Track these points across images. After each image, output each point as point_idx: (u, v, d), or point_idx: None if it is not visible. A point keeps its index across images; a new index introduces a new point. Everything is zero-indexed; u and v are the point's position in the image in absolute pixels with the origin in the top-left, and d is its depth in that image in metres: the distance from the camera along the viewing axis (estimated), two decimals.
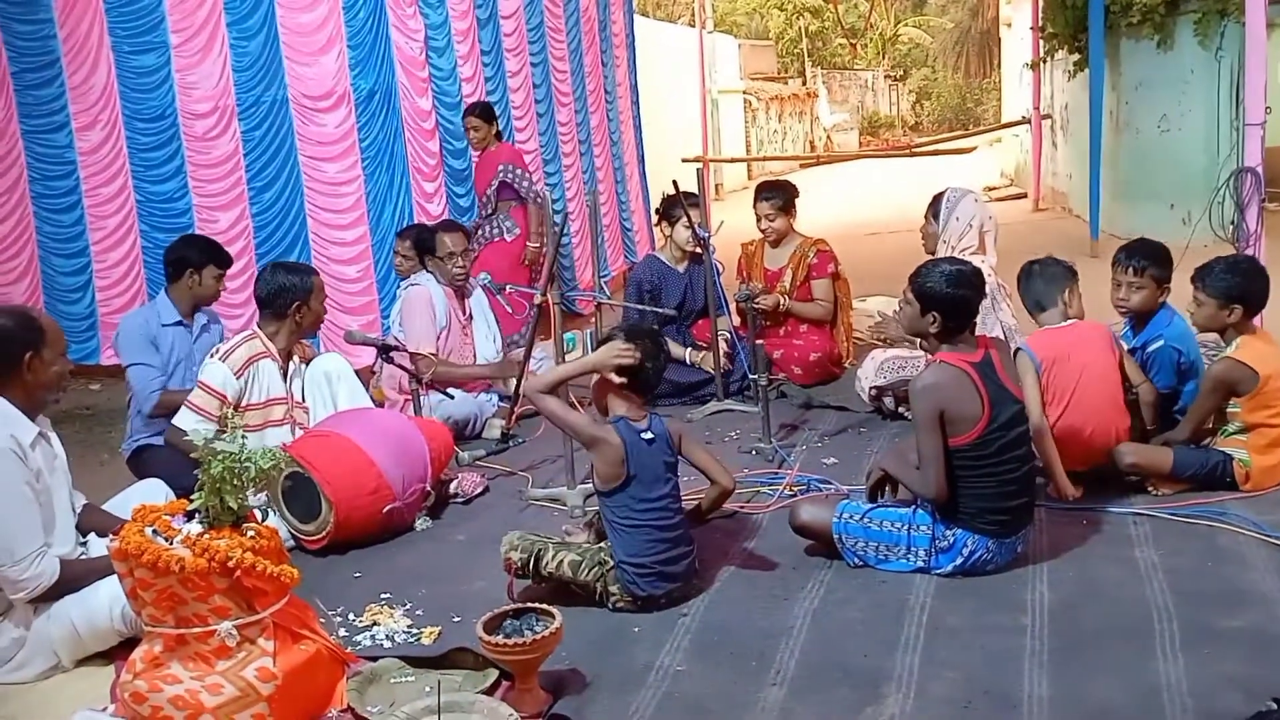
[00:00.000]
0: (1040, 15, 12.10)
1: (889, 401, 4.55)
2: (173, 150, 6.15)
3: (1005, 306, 4.50)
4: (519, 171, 6.22)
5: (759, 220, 5.27)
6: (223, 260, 4.18)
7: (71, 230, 6.40)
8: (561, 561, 2.91)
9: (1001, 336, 4.42)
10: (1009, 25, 17.56)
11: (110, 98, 6.17)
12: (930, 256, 4.60)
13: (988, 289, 4.39)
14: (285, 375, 3.88)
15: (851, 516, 3.08)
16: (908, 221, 12.67)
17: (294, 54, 5.97)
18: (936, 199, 4.61)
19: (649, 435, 2.92)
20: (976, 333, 3.66)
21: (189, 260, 4.09)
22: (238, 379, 3.71)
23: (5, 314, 2.84)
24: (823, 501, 3.28)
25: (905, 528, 3.01)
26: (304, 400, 3.95)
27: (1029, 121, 13.70)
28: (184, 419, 3.60)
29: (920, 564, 3.00)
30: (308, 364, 4.00)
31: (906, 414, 4.51)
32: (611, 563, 2.90)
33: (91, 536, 3.00)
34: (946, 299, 2.97)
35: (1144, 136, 9.64)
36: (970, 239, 4.51)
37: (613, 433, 2.90)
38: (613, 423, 2.94)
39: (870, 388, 4.62)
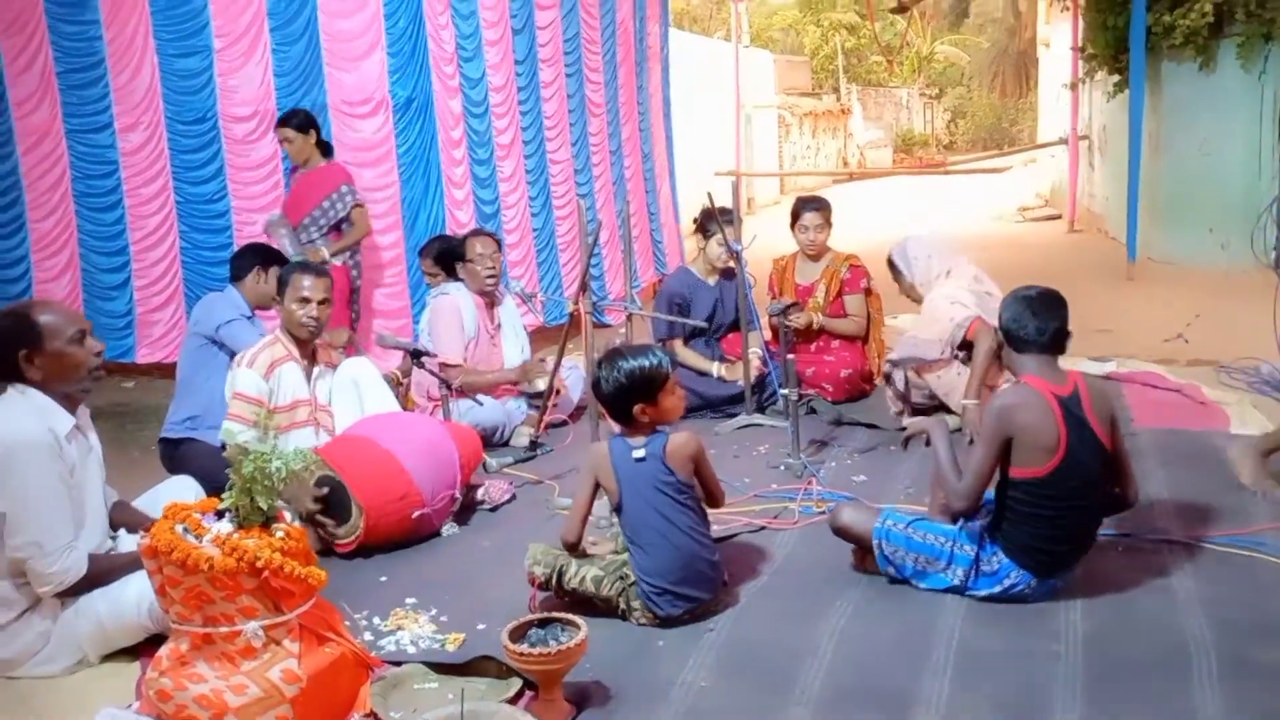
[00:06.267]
0: (1080, 36, 12.02)
1: (898, 379, 4.55)
2: (213, 153, 6.22)
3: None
4: (355, 192, 5.58)
5: (804, 231, 5.24)
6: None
7: (112, 229, 6.48)
8: (584, 577, 2.90)
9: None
10: (1047, 45, 17.44)
11: (153, 100, 6.25)
12: (918, 305, 4.73)
13: (979, 284, 4.54)
14: (309, 378, 3.92)
15: (895, 525, 3.03)
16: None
17: (334, 60, 6.02)
18: (889, 263, 4.79)
19: (640, 454, 2.90)
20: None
21: (258, 259, 4.41)
22: (266, 381, 3.76)
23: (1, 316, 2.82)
24: (865, 506, 3.25)
25: (950, 544, 2.96)
26: (329, 404, 3.97)
27: (1066, 142, 13.59)
28: (229, 431, 3.63)
29: (957, 582, 2.95)
30: (334, 369, 4.02)
31: (907, 425, 4.52)
32: (633, 578, 2.88)
33: (121, 532, 3.02)
34: (1010, 318, 2.96)
35: (1183, 159, 9.52)
36: (940, 264, 4.63)
37: (602, 448, 2.96)
38: (608, 440, 2.98)
39: (884, 362, 4.67)
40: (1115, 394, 3.00)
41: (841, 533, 3.16)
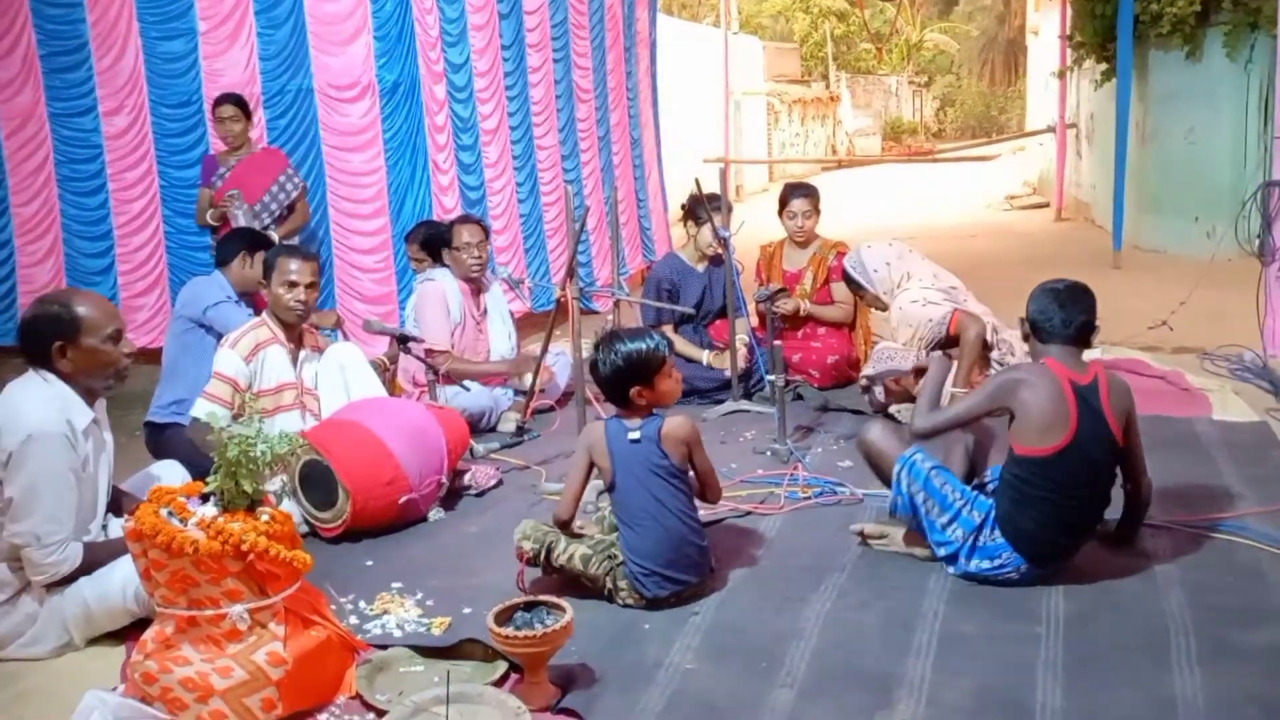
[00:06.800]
0: (1069, 24, 12.04)
1: (878, 392, 4.57)
2: (198, 136, 6.18)
3: (975, 302, 4.61)
4: (299, 173, 5.62)
5: (793, 218, 5.26)
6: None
7: (96, 213, 6.44)
8: (573, 554, 2.91)
9: (990, 323, 4.44)
10: (1036, 33, 17.47)
11: (137, 83, 6.20)
12: (883, 314, 4.75)
13: (939, 280, 4.58)
14: (295, 362, 3.90)
15: (922, 461, 3.05)
16: (928, 228, 12.68)
17: (320, 44, 5.98)
18: (846, 280, 4.83)
19: (635, 435, 2.91)
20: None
21: (244, 244, 4.33)
22: (246, 364, 3.74)
23: (43, 302, 2.84)
24: (897, 433, 3.26)
25: (963, 503, 2.98)
26: (315, 388, 3.96)
27: (1053, 130, 13.63)
28: (200, 408, 3.63)
29: (955, 543, 2.96)
30: (320, 353, 4.01)
31: (896, 414, 4.52)
32: (621, 558, 2.90)
33: (109, 517, 3.01)
34: (1036, 309, 3.01)
35: (1170, 148, 9.56)
36: (898, 269, 4.65)
37: (599, 427, 2.96)
38: (605, 420, 2.98)
39: (861, 378, 4.67)
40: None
41: (865, 450, 3.20)
